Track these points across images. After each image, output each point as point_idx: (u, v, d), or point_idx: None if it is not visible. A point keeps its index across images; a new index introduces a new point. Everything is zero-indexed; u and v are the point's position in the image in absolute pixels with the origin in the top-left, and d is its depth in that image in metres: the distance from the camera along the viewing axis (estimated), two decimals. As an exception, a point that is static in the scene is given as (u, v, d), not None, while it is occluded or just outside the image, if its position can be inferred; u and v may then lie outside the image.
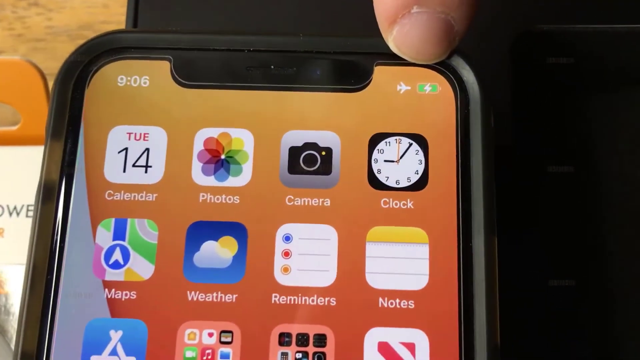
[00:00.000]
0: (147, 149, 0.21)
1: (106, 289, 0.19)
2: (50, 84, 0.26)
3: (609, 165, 0.41)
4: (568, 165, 0.42)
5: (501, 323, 0.28)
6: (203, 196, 0.20)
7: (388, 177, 0.20)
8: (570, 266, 0.40)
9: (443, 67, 0.21)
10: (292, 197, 0.20)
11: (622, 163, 0.40)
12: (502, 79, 0.29)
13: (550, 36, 0.33)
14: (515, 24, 0.33)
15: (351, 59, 0.22)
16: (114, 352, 0.19)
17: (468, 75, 0.21)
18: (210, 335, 0.19)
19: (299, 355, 0.19)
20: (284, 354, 0.19)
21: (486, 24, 0.30)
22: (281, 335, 0.19)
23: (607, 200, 0.40)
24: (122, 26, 0.27)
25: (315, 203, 0.20)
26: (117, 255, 0.20)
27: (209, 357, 0.19)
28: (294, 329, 0.19)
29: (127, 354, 0.19)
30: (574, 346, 0.38)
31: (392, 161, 0.21)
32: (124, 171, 0.20)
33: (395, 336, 0.19)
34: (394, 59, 0.21)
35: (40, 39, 0.36)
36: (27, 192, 0.26)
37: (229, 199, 0.20)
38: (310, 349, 0.19)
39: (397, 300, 0.19)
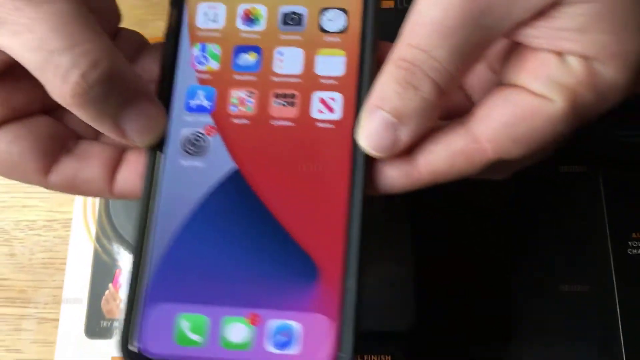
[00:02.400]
0: (216, 13, 0.40)
1: (197, 73, 0.39)
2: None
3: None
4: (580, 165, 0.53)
5: (512, 327, 0.48)
6: (242, 34, 0.40)
7: (329, 26, 0.40)
8: (583, 272, 0.52)
9: None
10: (283, 35, 0.40)
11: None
12: None
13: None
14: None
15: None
16: (199, 99, 0.39)
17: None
18: (243, 93, 0.39)
19: (284, 103, 0.39)
20: (277, 102, 0.39)
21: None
22: (277, 95, 0.39)
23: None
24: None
25: (293, 37, 0.39)
26: (201, 58, 0.39)
27: (242, 103, 0.39)
28: (283, 91, 0.39)
29: (207, 100, 0.39)
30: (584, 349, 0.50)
31: (331, 20, 0.40)
32: (205, 22, 0.40)
33: (327, 95, 0.39)
34: None
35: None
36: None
37: (254, 35, 0.40)
38: (289, 99, 0.39)
39: (330, 81, 0.39)
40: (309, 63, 0.39)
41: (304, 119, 0.38)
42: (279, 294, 0.36)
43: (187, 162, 0.38)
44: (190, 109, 0.39)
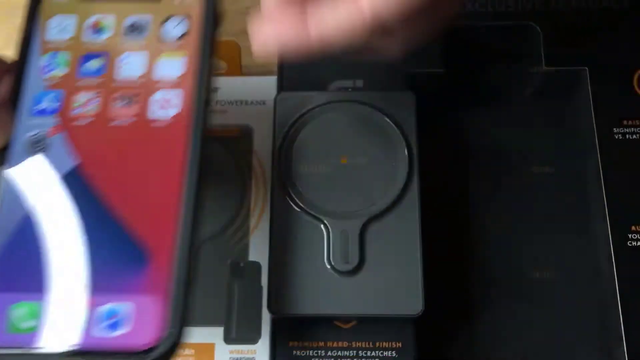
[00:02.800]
0: (67, 24, 0.43)
1: (45, 80, 0.42)
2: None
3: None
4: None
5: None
6: (89, 43, 0.43)
7: (171, 32, 0.43)
8: (583, 264, 0.54)
9: None
10: (128, 42, 0.43)
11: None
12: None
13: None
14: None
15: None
16: (46, 103, 0.43)
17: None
18: (87, 96, 0.43)
19: (125, 103, 0.43)
20: (119, 102, 0.43)
21: None
22: (119, 96, 0.43)
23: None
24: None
25: (137, 43, 0.42)
26: (50, 66, 0.43)
27: (86, 105, 0.43)
28: (126, 92, 0.42)
29: (53, 103, 0.43)
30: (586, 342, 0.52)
31: (173, 26, 0.42)
32: (55, 33, 0.43)
33: (167, 92, 0.41)
34: None
35: None
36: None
37: (100, 43, 0.43)
38: (130, 99, 0.43)
39: (171, 79, 0.41)
40: (152, 65, 0.42)
41: (144, 117, 0.42)
42: (114, 280, 0.39)
43: (31, 161, 0.41)
44: (37, 113, 0.42)
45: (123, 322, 0.38)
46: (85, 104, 0.42)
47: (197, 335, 0.52)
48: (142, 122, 0.42)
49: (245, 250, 0.54)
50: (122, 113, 0.42)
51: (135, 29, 0.44)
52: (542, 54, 0.57)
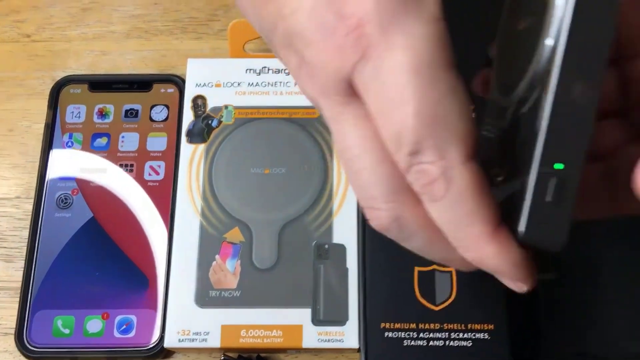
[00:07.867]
0: (79, 111, 0.62)
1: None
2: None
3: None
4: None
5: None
6: (96, 125, 0.61)
7: (156, 117, 0.60)
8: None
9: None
10: (125, 124, 0.60)
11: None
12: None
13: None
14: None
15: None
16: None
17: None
18: (97, 165, 0.62)
19: (126, 170, 0.59)
20: (121, 169, 0.60)
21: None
22: (120, 165, 0.60)
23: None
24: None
25: (132, 126, 0.60)
26: (69, 142, 0.60)
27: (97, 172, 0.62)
28: (125, 162, 0.60)
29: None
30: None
31: (158, 113, 0.60)
32: (71, 118, 0.62)
33: (154, 163, 0.58)
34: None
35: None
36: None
37: (105, 125, 0.60)
38: (129, 167, 0.60)
39: (157, 153, 0.59)
40: (143, 142, 0.58)
41: (140, 179, 0.57)
42: (122, 298, 0.54)
43: (60, 214, 0.57)
44: (61, 178, 0.57)
45: (131, 328, 0.53)
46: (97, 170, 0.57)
47: (284, 316, 0.52)
48: (139, 183, 0.57)
49: (329, 232, 0.54)
50: (125, 177, 0.57)
51: (130, 114, 0.58)
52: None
